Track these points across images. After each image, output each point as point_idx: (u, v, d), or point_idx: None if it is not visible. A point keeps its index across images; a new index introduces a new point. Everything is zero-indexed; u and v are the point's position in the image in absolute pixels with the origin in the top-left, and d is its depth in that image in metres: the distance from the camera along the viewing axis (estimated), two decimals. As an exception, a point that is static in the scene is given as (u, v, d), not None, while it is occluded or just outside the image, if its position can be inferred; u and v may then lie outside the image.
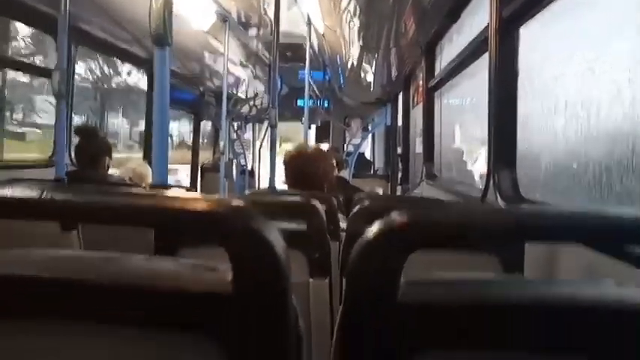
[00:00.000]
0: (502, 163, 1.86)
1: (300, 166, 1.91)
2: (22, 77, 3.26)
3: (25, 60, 2.90)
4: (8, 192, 0.46)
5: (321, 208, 1.29)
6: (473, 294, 0.48)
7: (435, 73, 3.39)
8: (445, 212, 0.49)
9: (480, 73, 2.43)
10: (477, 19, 2.34)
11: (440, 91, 3.37)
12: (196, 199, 0.45)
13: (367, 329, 0.45)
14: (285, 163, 1.96)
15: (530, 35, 1.74)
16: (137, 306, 0.45)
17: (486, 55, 1.92)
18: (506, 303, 0.47)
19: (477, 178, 3.20)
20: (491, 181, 1.91)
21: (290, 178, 1.92)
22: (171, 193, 0.47)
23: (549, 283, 0.50)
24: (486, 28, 1.96)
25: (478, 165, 3.17)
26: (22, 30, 3.00)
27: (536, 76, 1.75)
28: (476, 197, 2.24)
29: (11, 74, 3.09)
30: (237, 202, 0.46)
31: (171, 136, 5.39)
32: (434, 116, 3.54)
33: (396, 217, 0.45)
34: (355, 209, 1.26)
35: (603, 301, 0.45)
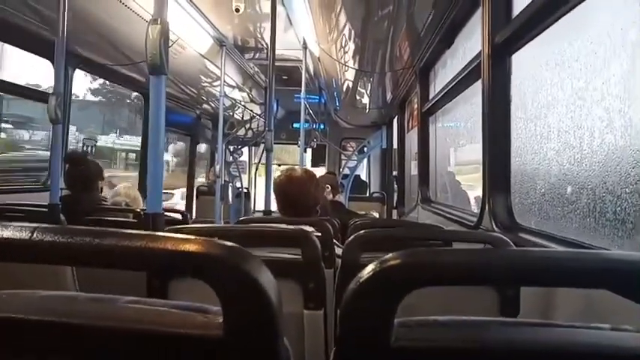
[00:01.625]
0: (496, 189, 1.87)
1: (289, 191, 1.89)
2: (19, 102, 3.28)
3: (22, 84, 2.90)
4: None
5: (315, 236, 1.28)
6: (467, 336, 0.47)
7: (430, 97, 3.42)
8: (440, 254, 0.49)
9: (473, 97, 2.46)
10: (470, 44, 2.37)
11: (435, 115, 3.40)
12: (187, 241, 0.45)
13: None
14: (275, 188, 1.95)
15: (522, 62, 1.76)
16: (128, 350, 0.44)
17: (479, 81, 1.94)
18: (502, 347, 0.46)
19: (471, 200, 3.21)
20: (487, 207, 1.91)
21: (280, 204, 1.91)
22: (162, 235, 0.47)
23: (543, 326, 0.49)
24: (479, 54, 1.98)
25: (472, 188, 3.18)
26: (19, 54, 3.02)
27: (529, 102, 1.77)
28: (471, 222, 2.24)
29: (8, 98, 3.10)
30: (226, 244, 0.46)
31: (167, 162, 5.40)
32: (429, 140, 3.56)
33: (388, 260, 0.45)
34: (350, 238, 1.25)
35: (599, 346, 0.44)
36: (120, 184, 3.10)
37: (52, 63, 2.59)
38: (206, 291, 0.55)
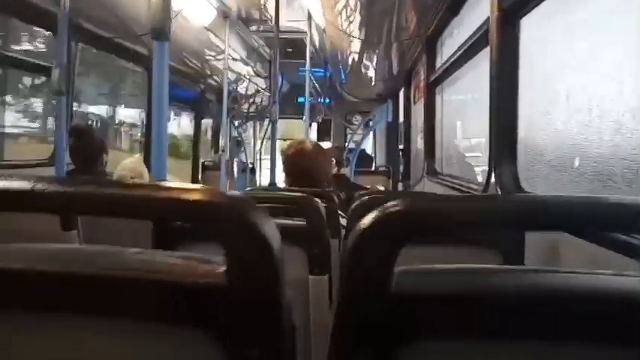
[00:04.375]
0: (503, 157, 1.85)
1: (299, 163, 1.89)
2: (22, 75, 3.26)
3: (25, 57, 2.89)
4: (3, 184, 0.46)
5: (321, 204, 1.28)
6: (468, 283, 0.47)
7: (436, 68, 3.37)
8: (440, 201, 0.48)
9: (481, 66, 2.42)
10: (478, 12, 2.32)
11: (441, 85, 3.35)
12: (192, 190, 0.45)
13: (362, 319, 0.45)
14: (283, 159, 1.95)
15: (532, 26, 1.72)
16: (130, 298, 0.45)
17: (487, 49, 1.90)
18: (502, 292, 0.46)
19: (478, 173, 3.19)
20: (493, 176, 1.90)
21: (289, 175, 1.90)
22: (167, 184, 0.46)
23: (545, 272, 0.49)
24: (487, 20, 1.94)
25: (479, 160, 3.16)
26: (21, 27, 2.99)
27: (537, 68, 1.74)
28: (477, 192, 2.23)
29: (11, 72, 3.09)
30: (232, 194, 0.45)
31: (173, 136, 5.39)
32: (435, 111, 3.53)
33: (389, 206, 0.44)
34: (354, 205, 1.25)
35: (600, 291, 0.44)
36: (126, 159, 3.10)
37: (54, 35, 2.58)
38: (210, 254, 0.55)
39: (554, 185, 1.70)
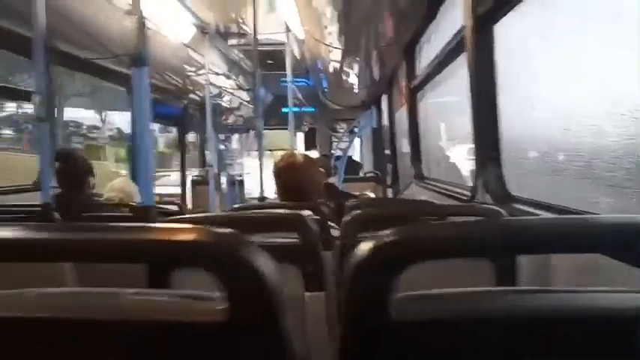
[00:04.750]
0: (488, 161, 1.87)
1: (290, 176, 1.89)
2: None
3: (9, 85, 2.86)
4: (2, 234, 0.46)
5: (312, 218, 1.28)
6: (466, 308, 0.48)
7: (416, 74, 3.40)
8: (435, 228, 0.49)
9: (460, 70, 2.45)
10: (454, 18, 2.35)
11: (423, 91, 3.39)
12: (184, 230, 0.45)
13: (362, 347, 0.45)
14: (275, 175, 1.95)
15: (507, 32, 1.76)
16: (134, 340, 0.45)
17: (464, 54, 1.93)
18: (501, 315, 0.47)
19: (464, 173, 3.22)
20: (479, 180, 1.92)
21: (281, 190, 1.90)
22: (156, 225, 0.47)
23: (544, 292, 0.50)
24: (463, 27, 1.97)
25: (464, 161, 3.19)
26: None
27: (515, 71, 1.77)
28: (465, 196, 2.25)
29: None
30: (221, 230, 0.46)
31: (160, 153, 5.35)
32: (418, 117, 3.56)
33: (385, 236, 0.45)
34: (347, 218, 1.25)
35: (597, 308, 0.45)
36: (114, 180, 3.08)
37: (31, 60, 2.55)
38: (208, 279, 0.55)
39: (540, 184, 1.73)
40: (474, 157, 1.93)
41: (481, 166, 1.88)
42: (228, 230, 0.47)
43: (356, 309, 0.46)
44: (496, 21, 1.74)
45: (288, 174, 1.88)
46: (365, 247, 0.46)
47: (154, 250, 0.45)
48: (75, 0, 2.55)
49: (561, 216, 1.23)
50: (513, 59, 1.78)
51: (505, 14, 1.69)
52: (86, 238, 0.45)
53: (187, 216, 1.52)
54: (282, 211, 1.50)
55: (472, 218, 1.53)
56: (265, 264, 0.45)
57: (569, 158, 1.45)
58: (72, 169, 2.52)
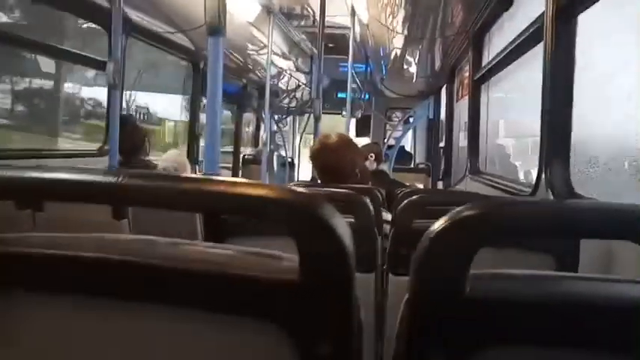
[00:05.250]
0: (555, 158, 1.79)
1: (325, 158, 1.87)
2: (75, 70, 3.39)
3: (79, 52, 2.99)
4: (65, 175, 0.47)
5: (368, 201, 1.27)
6: (542, 290, 0.46)
7: (482, 65, 3.29)
8: (516, 206, 0.47)
9: (532, 63, 2.35)
10: (530, 7, 2.25)
11: (487, 83, 3.28)
12: (264, 186, 0.45)
13: (434, 321, 0.44)
14: (311, 158, 1.94)
15: (590, 22, 1.66)
16: (204, 290, 0.46)
17: (538, 46, 1.84)
18: (577, 300, 0.45)
19: (521, 176, 3.11)
20: (543, 177, 1.84)
21: (318, 171, 1.90)
22: (236, 180, 0.47)
23: (623, 282, 0.48)
24: (541, 16, 1.88)
25: (526, 161, 3.07)
26: (75, 23, 3.10)
27: (595, 66, 1.68)
28: (525, 193, 2.17)
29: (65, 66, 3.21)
30: (303, 191, 0.46)
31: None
32: (480, 109, 3.45)
33: (466, 210, 0.43)
34: (402, 204, 1.24)
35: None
36: (170, 151, 3.18)
37: (107, 31, 2.66)
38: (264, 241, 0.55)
39: (608, 188, 1.64)
40: (540, 153, 1.85)
41: (546, 163, 1.80)
42: (303, 189, 0.47)
43: (428, 284, 0.45)
44: (580, 10, 1.65)
45: (323, 155, 1.87)
46: (443, 220, 0.45)
47: (231, 201, 0.45)
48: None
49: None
50: (594, 53, 1.69)
51: (590, 5, 1.60)
52: (161, 184, 0.46)
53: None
54: (339, 190, 1.50)
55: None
56: (342, 226, 0.44)
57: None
58: (130, 135, 2.62)
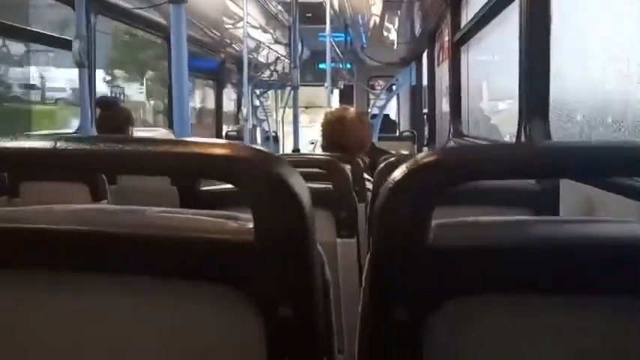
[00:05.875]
0: (534, 115, 1.78)
1: (339, 131, 1.87)
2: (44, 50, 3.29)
3: (45, 32, 2.89)
4: (28, 144, 0.45)
5: (347, 168, 1.26)
6: (507, 235, 0.45)
7: (462, 26, 3.25)
8: (477, 149, 0.46)
9: (510, 21, 2.32)
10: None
11: (467, 44, 3.24)
12: (218, 145, 0.43)
13: (397, 273, 0.43)
14: (323, 126, 1.93)
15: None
16: (158, 255, 0.44)
17: (515, 3, 1.81)
18: (542, 244, 0.44)
19: (505, 137, 3.11)
20: (522, 135, 1.84)
21: (327, 143, 1.89)
22: (192, 140, 0.45)
23: (588, 222, 0.47)
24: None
25: (507, 122, 3.07)
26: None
27: (570, 18, 1.65)
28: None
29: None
30: (255, 147, 0.44)
31: (193, 108, 5.38)
32: (460, 72, 3.43)
33: (423, 156, 0.42)
34: (380, 167, 1.23)
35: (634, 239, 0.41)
36: (154, 131, 3.13)
37: (73, 8, 2.57)
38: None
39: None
40: (519, 109, 1.84)
41: (526, 120, 1.79)
42: (259, 147, 0.45)
43: (389, 233, 0.44)
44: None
45: (337, 128, 1.86)
46: (402, 167, 0.43)
47: (183, 162, 0.43)
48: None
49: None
50: (570, 7, 1.66)
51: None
52: (116, 148, 0.44)
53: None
54: (316, 156, 1.48)
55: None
56: (297, 183, 0.43)
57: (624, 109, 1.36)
58: (113, 117, 2.56)
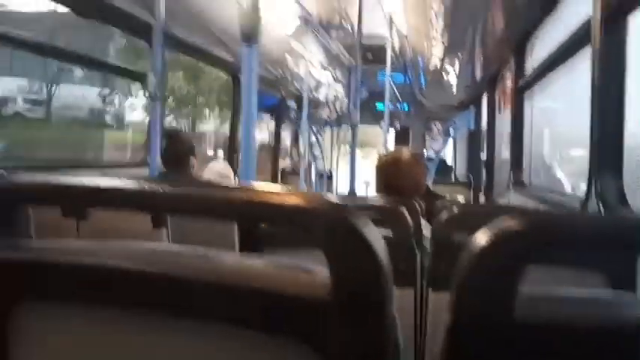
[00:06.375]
0: (606, 169, 1.69)
1: (394, 174, 1.85)
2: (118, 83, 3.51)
3: (121, 65, 3.10)
4: (106, 182, 0.47)
5: (406, 215, 1.23)
6: (596, 314, 0.42)
7: (526, 73, 3.19)
8: (567, 217, 0.43)
9: (578, 70, 2.25)
10: (576, 11, 2.16)
11: (531, 91, 3.17)
12: (296, 195, 0.43)
13: (479, 346, 0.40)
14: (378, 168, 1.92)
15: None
16: (228, 303, 0.43)
17: (585, 51, 1.76)
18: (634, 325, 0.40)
19: (569, 189, 2.97)
20: (593, 190, 1.75)
21: (381, 185, 1.87)
22: (267, 187, 0.45)
23: None
24: (588, 20, 1.80)
25: (573, 174, 2.94)
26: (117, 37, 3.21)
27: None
28: (573, 207, 2.06)
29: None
30: (336, 200, 0.43)
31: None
32: (523, 119, 3.33)
33: (511, 221, 0.39)
34: (444, 217, 1.18)
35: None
36: (214, 162, 3.23)
37: (149, 44, 2.73)
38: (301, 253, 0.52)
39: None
40: (590, 164, 1.75)
41: (597, 175, 1.70)
42: (337, 201, 0.44)
43: (472, 303, 0.41)
44: (629, 12, 1.56)
45: (392, 170, 1.85)
46: (486, 234, 0.41)
47: (262, 210, 0.43)
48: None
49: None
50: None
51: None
52: (193, 192, 0.44)
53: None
54: (376, 201, 1.46)
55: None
56: (377, 240, 0.41)
57: None
58: (177, 149, 2.66)
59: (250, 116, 1.18)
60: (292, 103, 5.65)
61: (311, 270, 0.44)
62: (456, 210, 1.24)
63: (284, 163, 6.18)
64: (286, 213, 0.42)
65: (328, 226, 0.41)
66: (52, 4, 2.60)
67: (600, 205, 1.69)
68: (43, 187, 0.49)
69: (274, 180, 5.61)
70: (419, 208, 1.76)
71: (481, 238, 0.40)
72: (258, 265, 0.45)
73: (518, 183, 3.36)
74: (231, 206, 0.44)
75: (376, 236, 0.41)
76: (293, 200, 0.42)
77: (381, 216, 1.20)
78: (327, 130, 7.17)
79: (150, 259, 0.48)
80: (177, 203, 0.46)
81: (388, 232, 1.18)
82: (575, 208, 1.98)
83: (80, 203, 0.48)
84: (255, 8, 1.12)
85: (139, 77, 2.93)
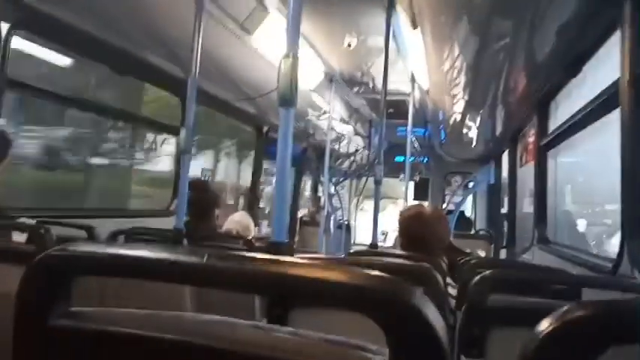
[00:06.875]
0: (637, 230, 1.66)
1: (417, 228, 1.85)
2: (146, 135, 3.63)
3: (156, 119, 3.21)
4: (145, 253, 0.47)
5: (437, 274, 1.21)
6: None
7: (549, 131, 3.20)
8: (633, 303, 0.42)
9: (602, 130, 2.25)
10: (602, 72, 2.19)
11: (556, 149, 3.17)
12: (345, 271, 0.43)
13: None
14: (400, 224, 1.91)
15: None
16: None
17: (613, 112, 1.77)
18: None
19: (594, 246, 2.91)
20: (625, 250, 1.71)
21: (404, 239, 1.86)
22: (314, 261, 0.45)
23: None
24: (614, 82, 1.82)
25: (598, 231, 2.88)
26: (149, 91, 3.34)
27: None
28: (602, 267, 2.01)
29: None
30: (385, 277, 0.43)
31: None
32: (546, 176, 3.32)
33: (580, 310, 0.39)
34: (477, 279, 1.16)
35: None
36: (235, 213, 3.25)
37: (181, 99, 2.83)
38: (327, 321, 0.51)
39: None
40: (621, 224, 1.72)
41: (629, 235, 1.67)
42: (391, 277, 0.44)
43: None
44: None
45: (415, 224, 1.84)
46: (552, 321, 0.40)
47: (312, 287, 0.43)
48: (226, 49, 2.79)
49: None
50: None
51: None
52: (233, 266, 0.44)
53: (310, 256, 1.53)
54: (406, 261, 1.45)
55: (614, 293, 1.36)
56: (437, 321, 0.41)
57: None
58: (202, 199, 2.69)
59: (284, 174, 1.20)
60: (313, 155, 5.73)
61: (362, 346, 0.43)
62: (487, 273, 1.22)
63: (302, 212, 6.19)
64: (339, 292, 0.41)
65: (387, 305, 0.41)
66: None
67: (632, 264, 1.65)
68: (98, 257, 0.49)
69: (292, 229, 5.61)
70: (444, 266, 1.74)
71: (544, 327, 0.39)
72: (298, 339, 0.45)
73: (542, 240, 3.31)
74: (277, 282, 0.44)
75: (437, 318, 0.41)
76: (343, 277, 0.42)
77: (413, 277, 1.19)
78: (346, 182, 7.21)
79: (181, 328, 0.48)
80: (227, 278, 0.46)
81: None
82: (607, 268, 1.93)
83: (132, 276, 0.49)
84: (293, 72, 1.16)
85: (173, 130, 3.02)
